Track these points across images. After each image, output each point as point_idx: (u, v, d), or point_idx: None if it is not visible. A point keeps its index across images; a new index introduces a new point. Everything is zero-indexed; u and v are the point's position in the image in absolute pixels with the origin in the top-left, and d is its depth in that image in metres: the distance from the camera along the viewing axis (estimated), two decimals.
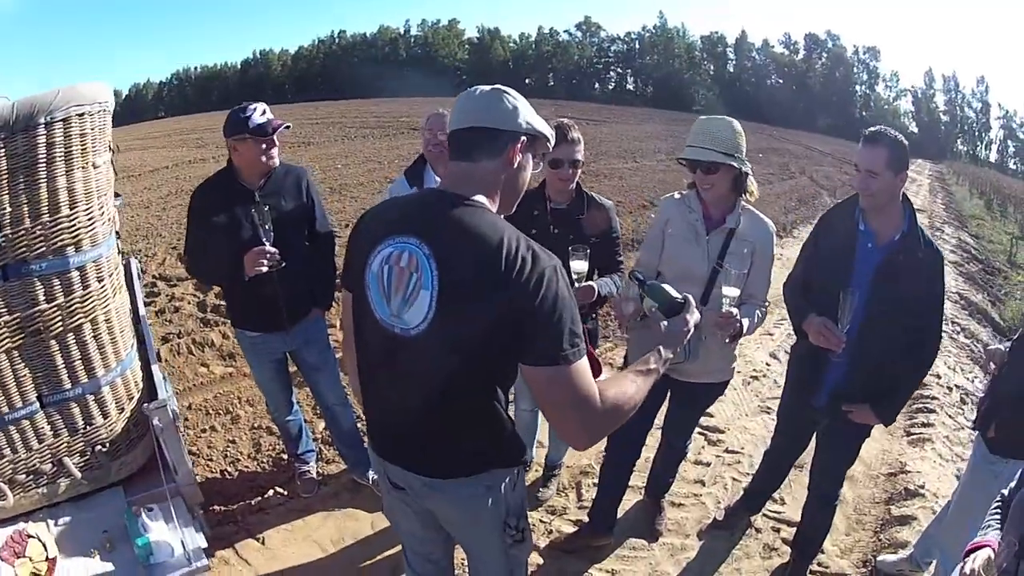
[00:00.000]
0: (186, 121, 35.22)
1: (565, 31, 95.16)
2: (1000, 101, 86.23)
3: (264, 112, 3.17)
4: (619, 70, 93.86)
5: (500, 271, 1.61)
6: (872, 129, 2.81)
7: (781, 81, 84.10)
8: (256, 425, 4.83)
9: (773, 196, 15.46)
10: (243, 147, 3.15)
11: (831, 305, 2.78)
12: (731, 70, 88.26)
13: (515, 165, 1.82)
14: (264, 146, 3.15)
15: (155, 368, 3.01)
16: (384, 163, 16.38)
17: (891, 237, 2.84)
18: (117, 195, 2.94)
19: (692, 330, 2.09)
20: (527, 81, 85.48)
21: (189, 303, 7.12)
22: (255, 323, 3.51)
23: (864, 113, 77.88)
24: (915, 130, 76.55)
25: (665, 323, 2.10)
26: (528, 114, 1.81)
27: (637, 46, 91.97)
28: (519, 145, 1.80)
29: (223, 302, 6.16)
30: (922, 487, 4.36)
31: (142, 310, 3.33)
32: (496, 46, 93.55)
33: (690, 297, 2.14)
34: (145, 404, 2.70)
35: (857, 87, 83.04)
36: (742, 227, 3.00)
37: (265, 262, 3.10)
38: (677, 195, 3.22)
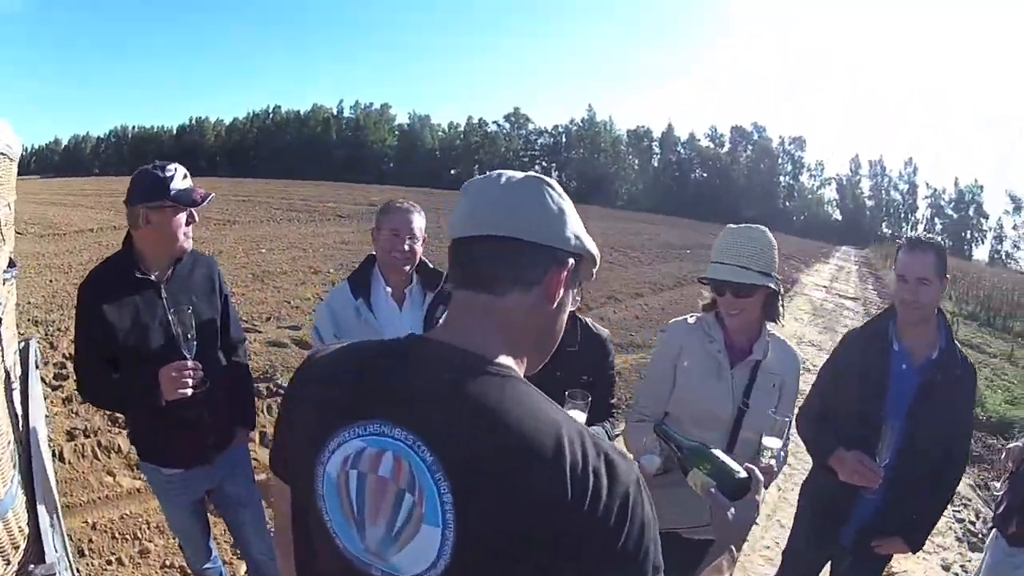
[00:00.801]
0: (118, 183, 34.53)
1: (494, 122, 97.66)
2: (928, 180, 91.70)
3: (186, 176, 2.58)
4: (544, 163, 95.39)
5: (566, 500, 0.99)
6: (912, 236, 2.66)
7: (706, 174, 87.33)
8: (168, 563, 4.21)
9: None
10: (159, 218, 2.49)
11: (860, 436, 2.53)
12: (656, 164, 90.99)
13: (555, 303, 1.19)
14: (185, 220, 2.56)
15: (43, 512, 2.07)
16: (309, 251, 15.83)
17: (927, 355, 2.64)
18: (12, 264, 2.46)
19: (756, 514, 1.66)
20: (452, 172, 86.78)
21: None
22: (174, 458, 2.78)
23: (788, 203, 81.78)
24: (839, 217, 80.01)
25: (731, 511, 1.62)
26: (576, 223, 1.21)
27: (564, 139, 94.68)
28: (566, 272, 1.17)
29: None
30: None
31: (38, 413, 2.73)
32: (426, 133, 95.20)
33: (755, 471, 1.66)
34: (30, 567, 1.87)
35: (782, 177, 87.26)
36: (769, 358, 2.58)
37: (189, 381, 2.47)
38: (691, 319, 2.73)
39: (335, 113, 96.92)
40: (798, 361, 2.67)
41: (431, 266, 3.02)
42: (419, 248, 2.88)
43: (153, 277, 2.58)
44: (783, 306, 2.60)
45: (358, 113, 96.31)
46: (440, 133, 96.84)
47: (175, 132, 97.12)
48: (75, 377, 2.79)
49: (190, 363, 2.47)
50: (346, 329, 2.79)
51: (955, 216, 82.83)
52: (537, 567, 0.98)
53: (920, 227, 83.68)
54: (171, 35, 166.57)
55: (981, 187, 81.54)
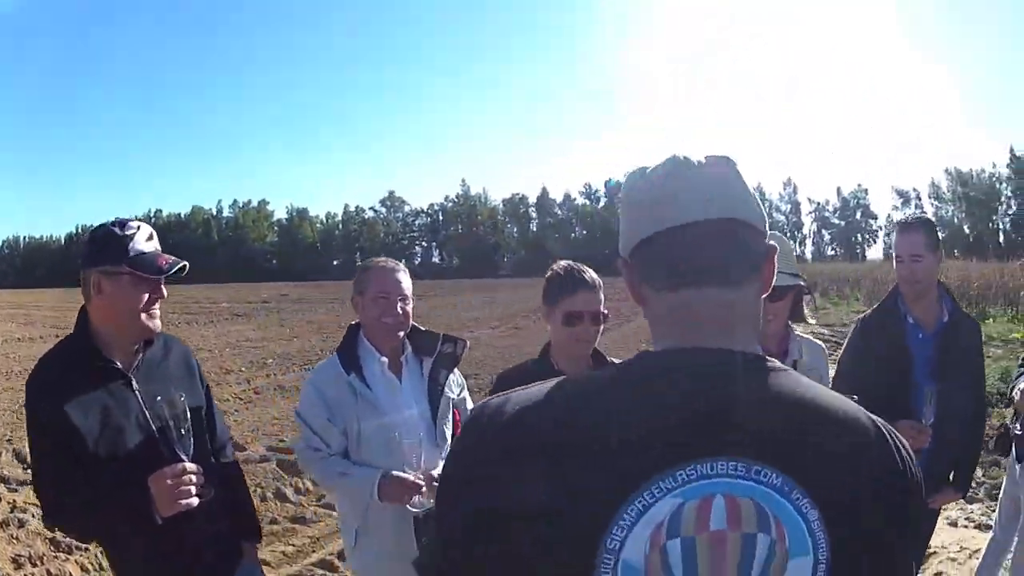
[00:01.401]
0: (11, 296, 32.74)
1: (371, 208, 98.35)
2: (810, 195, 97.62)
3: (151, 238, 2.11)
4: (424, 243, 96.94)
5: (900, 471, 0.89)
6: (902, 218, 2.94)
7: (585, 231, 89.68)
8: None
9: (631, 333, 15.99)
10: (113, 289, 2.02)
11: (893, 406, 2.37)
12: (534, 229, 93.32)
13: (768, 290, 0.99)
14: (150, 293, 2.07)
15: None
16: (215, 351, 15.48)
17: (939, 320, 2.90)
18: None
19: None
20: (335, 262, 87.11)
21: (35, 515, 5.28)
22: None
23: None
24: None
25: None
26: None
27: (440, 217, 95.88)
28: (776, 254, 0.99)
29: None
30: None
31: None
32: (304, 227, 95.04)
33: None
34: None
35: None
36: (804, 356, 2.65)
37: (192, 488, 1.96)
38: None
39: (214, 213, 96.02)
40: (825, 351, 2.85)
41: (423, 329, 2.72)
42: (410, 310, 2.60)
43: (114, 364, 2.05)
44: (809, 305, 2.72)
45: (237, 212, 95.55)
46: (319, 224, 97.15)
47: (63, 241, 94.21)
48: (38, 499, 2.33)
49: (189, 465, 1.97)
50: (339, 409, 2.52)
51: (842, 223, 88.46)
52: (889, 541, 0.87)
53: (808, 241, 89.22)
54: (47, 141, 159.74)
55: (866, 190, 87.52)
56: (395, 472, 2.40)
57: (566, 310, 2.33)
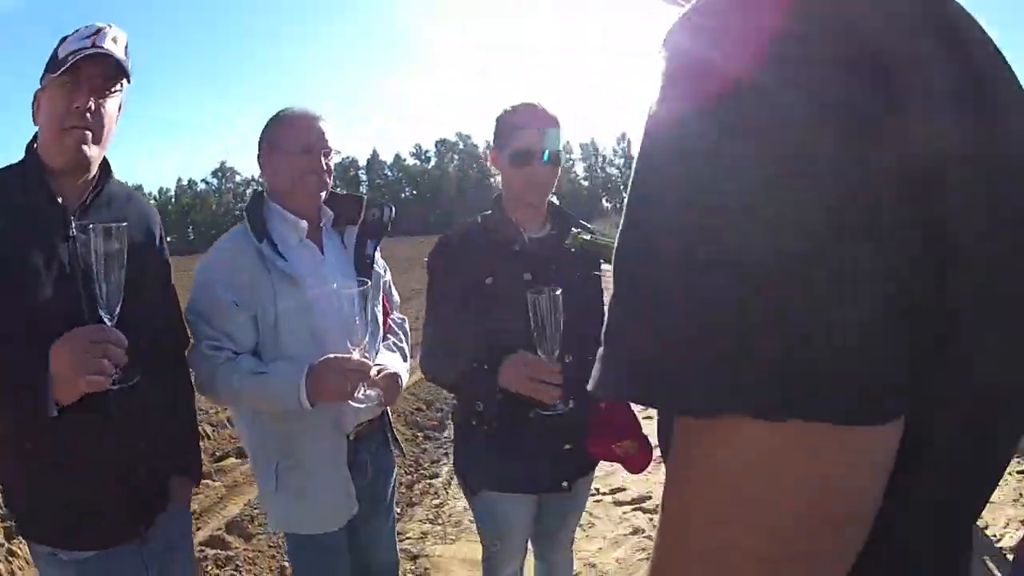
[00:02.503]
0: None
1: (203, 180, 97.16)
2: None
3: (118, 40, 1.63)
4: None
5: None
6: None
7: (415, 191, 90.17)
8: None
9: None
10: (43, 102, 1.61)
11: None
12: (365, 191, 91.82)
13: None
14: (70, 102, 1.56)
15: None
16: None
17: None
18: None
19: None
20: (169, 239, 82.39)
21: None
22: (87, 532, 1.64)
23: None
24: (556, 202, 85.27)
25: None
26: None
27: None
28: None
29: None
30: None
31: None
32: None
33: None
34: None
35: (492, 179, 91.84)
36: None
37: (106, 362, 1.43)
38: None
39: None
40: None
41: (342, 192, 2.22)
42: (332, 166, 2.12)
43: (57, 200, 1.60)
44: None
45: None
46: (152, 201, 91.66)
47: None
48: None
49: (114, 332, 1.47)
50: (249, 291, 1.95)
51: None
52: None
53: None
54: None
55: None
56: (331, 355, 1.86)
57: (516, 147, 2.00)
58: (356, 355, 1.83)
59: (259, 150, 2.09)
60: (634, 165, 0.45)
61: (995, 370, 0.45)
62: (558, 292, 1.71)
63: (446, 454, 5.20)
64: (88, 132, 1.58)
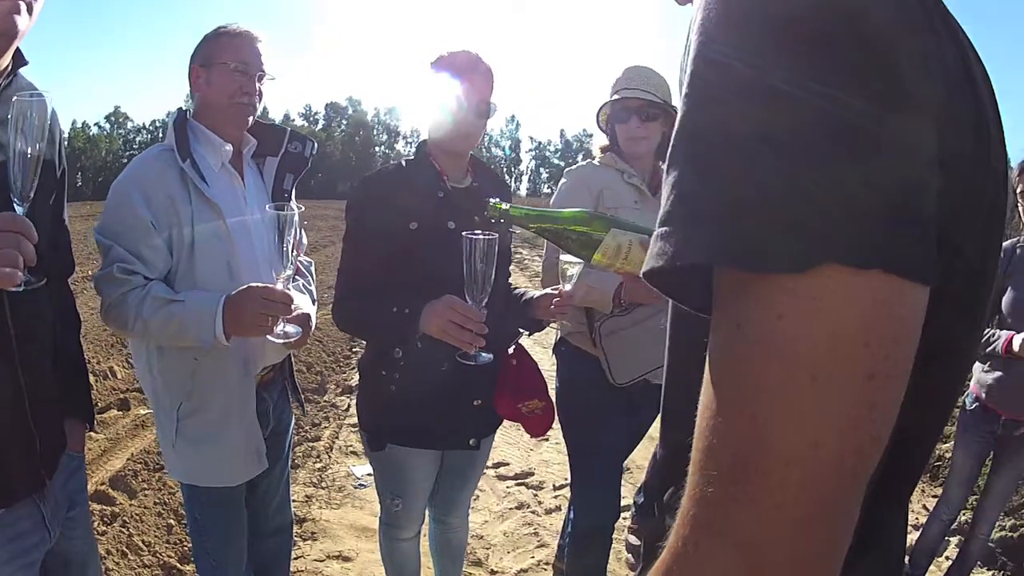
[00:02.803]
0: None
1: (95, 123, 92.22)
2: (532, 134, 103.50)
3: None
4: None
5: None
6: None
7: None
8: None
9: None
10: None
11: None
12: None
13: None
14: None
15: None
16: None
17: None
18: None
19: None
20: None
21: None
22: None
23: None
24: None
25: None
26: None
27: (161, 135, 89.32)
28: None
29: None
30: None
31: None
32: None
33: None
34: None
35: (376, 148, 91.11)
36: None
37: (14, 254, 1.18)
38: (596, 161, 2.61)
39: None
40: None
41: (264, 122, 2.11)
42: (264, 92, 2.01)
43: None
44: None
45: None
46: None
47: None
48: None
49: (20, 218, 1.23)
50: (166, 211, 1.81)
51: (562, 164, 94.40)
52: None
53: (524, 178, 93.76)
54: None
55: (591, 135, 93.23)
56: (252, 284, 1.74)
57: (448, 94, 1.97)
58: (280, 285, 1.70)
59: (190, 66, 1.96)
60: (694, 66, 0.51)
61: (976, 265, 0.58)
62: (495, 238, 1.66)
63: (326, 417, 5.17)
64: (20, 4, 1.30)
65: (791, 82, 0.46)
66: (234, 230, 1.88)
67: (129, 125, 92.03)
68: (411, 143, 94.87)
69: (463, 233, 1.66)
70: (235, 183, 1.97)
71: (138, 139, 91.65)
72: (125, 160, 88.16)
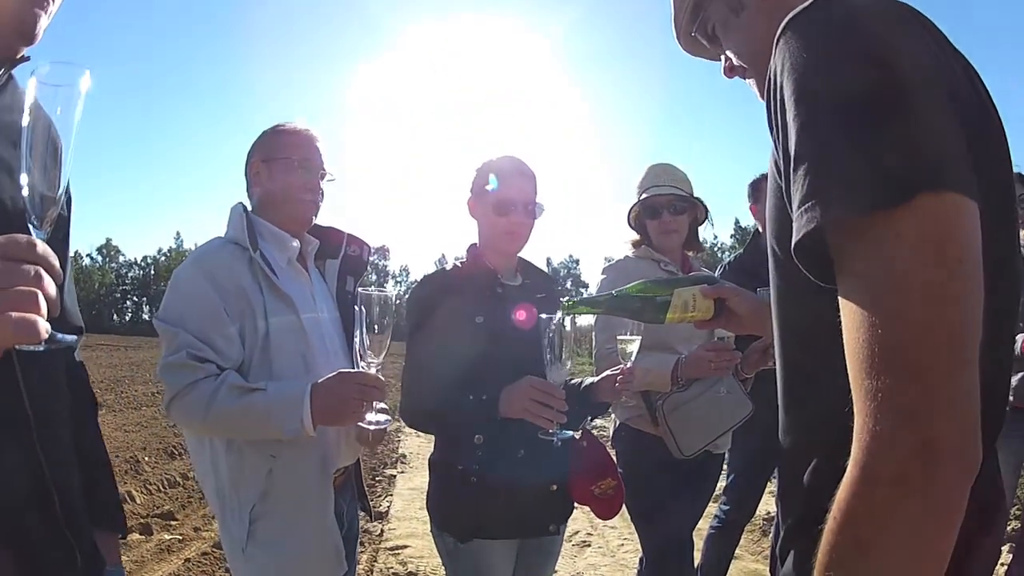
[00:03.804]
0: None
1: (88, 255, 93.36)
2: None
3: None
4: (136, 297, 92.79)
5: None
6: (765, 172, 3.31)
7: None
8: None
9: None
10: None
11: None
12: None
13: None
14: None
15: None
16: None
17: None
18: None
19: None
20: None
21: None
22: None
23: None
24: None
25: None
26: None
27: (152, 271, 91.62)
28: None
29: None
30: None
31: None
32: None
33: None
34: None
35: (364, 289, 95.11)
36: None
37: (49, 289, 0.78)
38: (631, 253, 2.82)
39: None
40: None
41: (322, 224, 2.11)
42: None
43: None
44: (703, 238, 2.92)
45: None
46: None
47: None
48: None
49: (41, 245, 0.80)
50: (238, 300, 1.77)
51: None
52: None
53: None
54: None
55: (577, 260, 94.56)
56: (342, 370, 1.71)
57: (499, 196, 2.06)
58: (373, 370, 1.67)
59: (249, 161, 1.98)
60: (798, 95, 0.75)
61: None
62: (569, 318, 1.72)
63: (360, 542, 5.00)
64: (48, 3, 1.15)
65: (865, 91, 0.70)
66: (307, 325, 1.87)
67: (120, 259, 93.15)
68: (400, 282, 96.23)
69: (541, 315, 1.73)
70: (302, 279, 1.97)
71: (130, 274, 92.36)
72: (117, 295, 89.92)
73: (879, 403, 0.64)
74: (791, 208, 0.75)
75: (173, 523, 4.97)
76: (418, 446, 8.54)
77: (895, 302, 0.65)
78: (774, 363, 1.00)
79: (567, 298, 1.64)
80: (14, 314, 0.75)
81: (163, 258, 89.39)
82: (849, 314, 0.69)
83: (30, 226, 0.84)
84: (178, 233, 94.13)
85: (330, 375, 1.70)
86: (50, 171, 0.85)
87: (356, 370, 1.70)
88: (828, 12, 0.76)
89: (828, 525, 0.68)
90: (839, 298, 0.71)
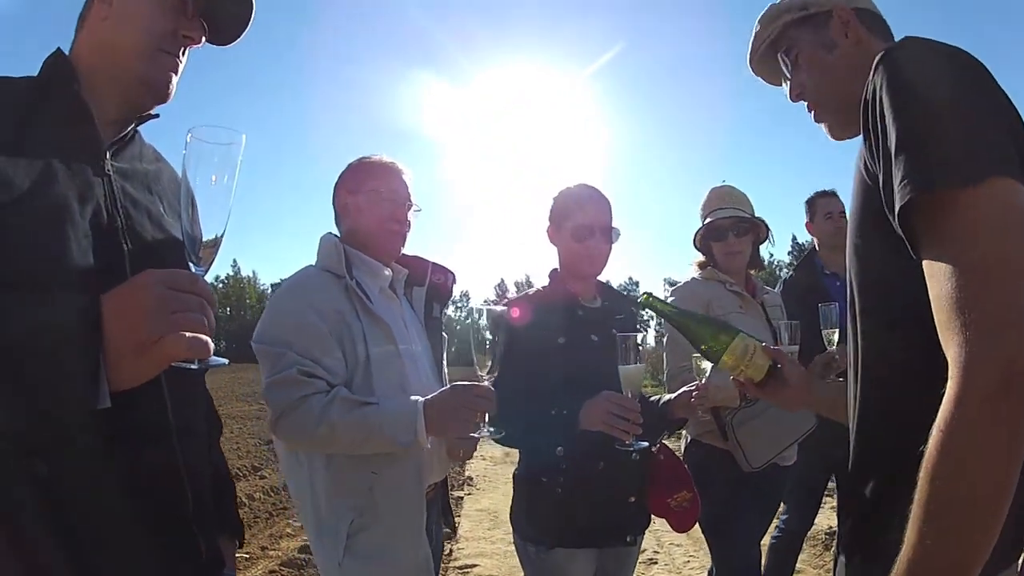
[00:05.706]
0: None
1: None
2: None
3: None
4: None
5: None
6: (819, 190, 3.66)
7: None
8: None
9: None
10: (160, 9, 1.22)
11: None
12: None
13: None
14: (177, 22, 1.24)
15: None
16: None
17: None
18: None
19: None
20: None
21: None
22: None
23: None
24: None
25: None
26: None
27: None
28: None
29: None
30: None
31: None
32: None
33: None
34: None
35: None
36: (768, 297, 2.98)
37: (204, 322, 0.93)
38: (696, 275, 2.94)
39: None
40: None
41: (407, 253, 2.19)
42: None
43: (94, 126, 1.18)
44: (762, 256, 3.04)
45: None
46: None
47: None
48: None
49: (203, 282, 0.96)
50: (336, 321, 1.85)
51: None
52: None
53: None
54: None
55: (637, 283, 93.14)
56: (458, 382, 1.81)
57: (576, 223, 2.18)
58: (487, 382, 1.78)
59: (336, 193, 2.08)
60: (895, 95, 0.97)
61: None
62: (640, 336, 1.87)
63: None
64: (179, 64, 1.27)
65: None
66: (403, 354, 1.97)
67: None
68: (460, 307, 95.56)
69: (617, 333, 1.85)
70: (395, 306, 2.07)
71: None
72: None
73: (971, 331, 0.82)
74: (893, 192, 0.95)
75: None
76: (484, 468, 8.71)
77: (984, 252, 0.85)
78: (835, 377, 1.15)
79: (647, 292, 1.77)
80: (188, 334, 0.90)
81: (220, 285, 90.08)
82: (939, 269, 0.88)
83: (190, 263, 0.99)
84: (234, 261, 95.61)
85: (442, 389, 1.82)
86: (196, 216, 0.98)
87: (467, 383, 1.78)
88: (919, 45, 1.03)
89: (927, 449, 0.83)
90: (924, 262, 0.92)
